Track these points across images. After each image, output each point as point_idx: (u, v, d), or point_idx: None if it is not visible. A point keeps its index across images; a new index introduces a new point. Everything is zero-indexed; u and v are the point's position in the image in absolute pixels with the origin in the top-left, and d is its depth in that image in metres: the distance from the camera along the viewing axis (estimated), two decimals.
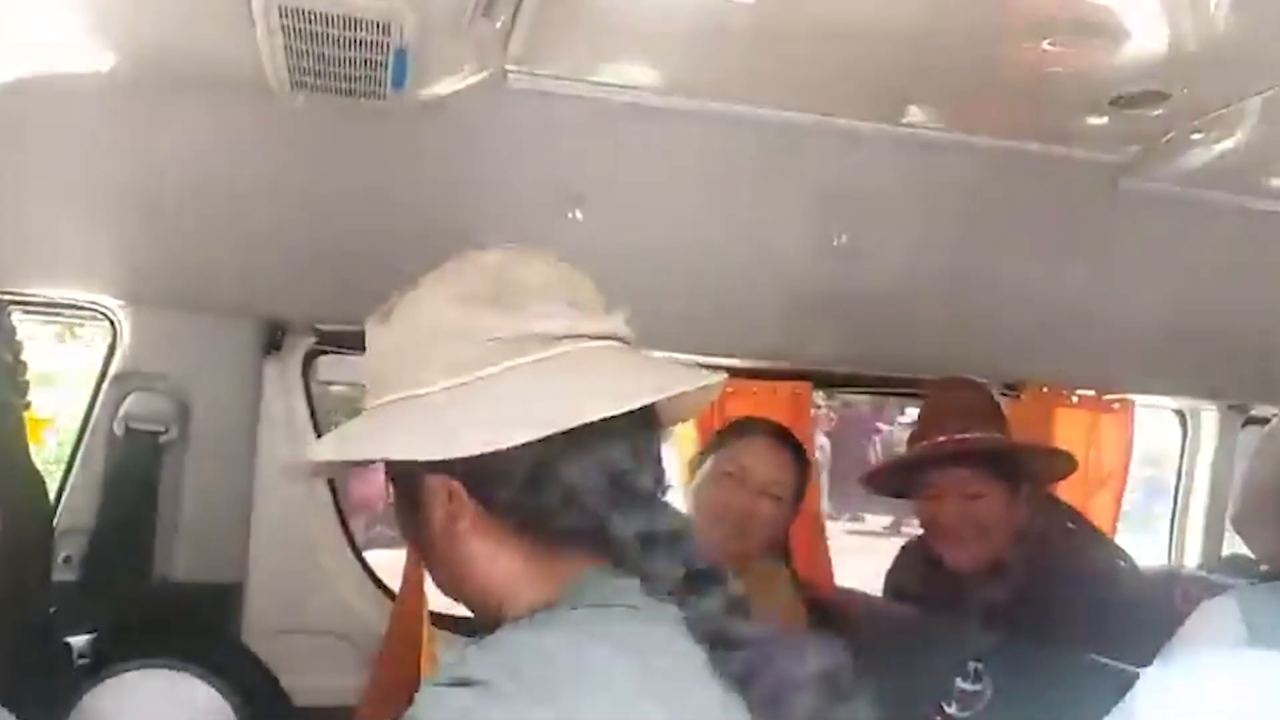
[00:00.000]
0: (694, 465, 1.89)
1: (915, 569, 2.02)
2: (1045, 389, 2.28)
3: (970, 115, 1.73)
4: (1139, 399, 2.52)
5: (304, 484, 1.99)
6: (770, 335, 2.06)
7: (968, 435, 1.83)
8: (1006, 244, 1.95)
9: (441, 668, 0.72)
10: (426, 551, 0.84)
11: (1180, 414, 2.75)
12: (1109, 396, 2.47)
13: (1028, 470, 1.86)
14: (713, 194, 1.80)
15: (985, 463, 1.81)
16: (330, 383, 2.26)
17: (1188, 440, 2.75)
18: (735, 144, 1.73)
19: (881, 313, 2.03)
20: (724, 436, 1.88)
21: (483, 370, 0.76)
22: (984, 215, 1.91)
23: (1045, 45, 1.40)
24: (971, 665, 1.37)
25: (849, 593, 2.11)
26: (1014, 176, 1.85)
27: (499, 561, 0.80)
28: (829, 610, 1.89)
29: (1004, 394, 2.34)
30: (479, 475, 0.78)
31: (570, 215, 1.77)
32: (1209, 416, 2.72)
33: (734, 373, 2.23)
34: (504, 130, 1.67)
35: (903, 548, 2.13)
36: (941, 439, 1.84)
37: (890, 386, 2.50)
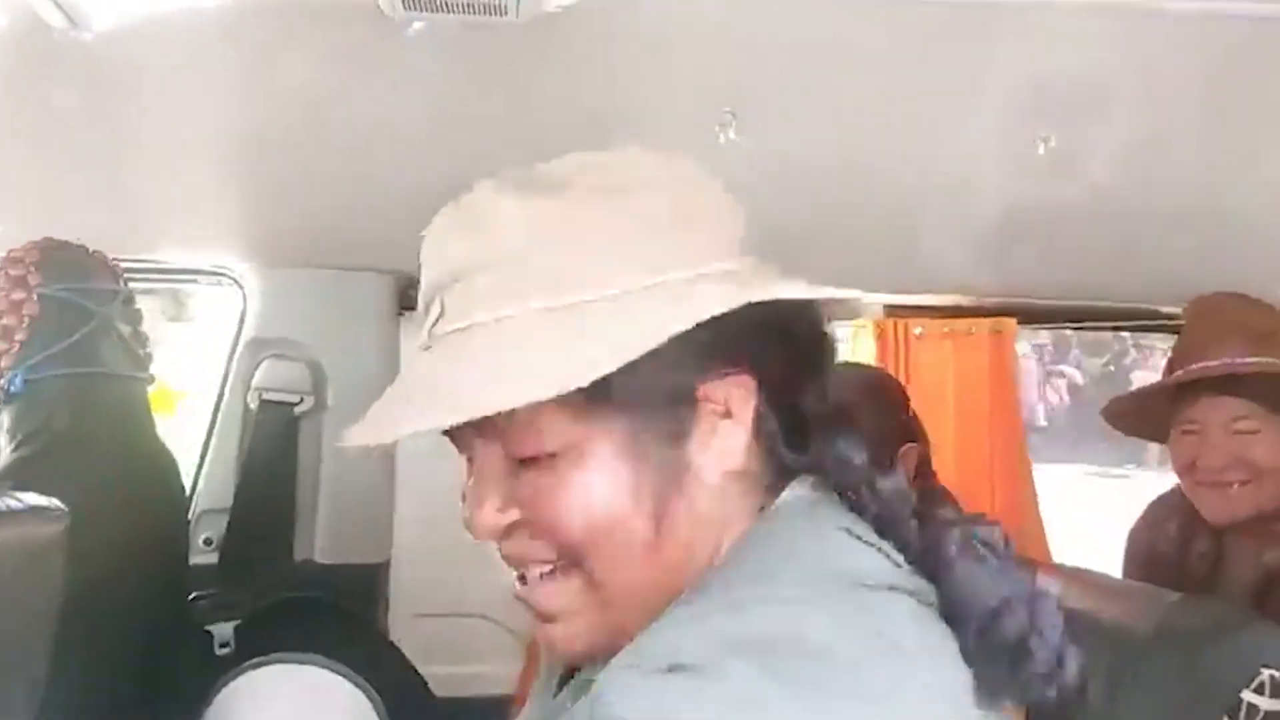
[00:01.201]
0: None
1: (1167, 529, 1.71)
2: None
3: None
4: None
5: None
6: (963, 264, 1.81)
7: (1241, 360, 1.54)
8: (1262, 141, 1.63)
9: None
10: (667, 506, 0.61)
11: None
12: None
13: None
14: (888, 96, 1.60)
15: (1263, 392, 1.52)
16: None
17: None
18: (914, 31, 1.51)
19: (1100, 234, 1.77)
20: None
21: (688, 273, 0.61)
22: (1230, 106, 1.60)
23: None
24: (1267, 674, 1.07)
25: (1071, 571, 1.81)
26: (1271, 53, 1.53)
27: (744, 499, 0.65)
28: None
29: None
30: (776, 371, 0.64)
31: (722, 136, 1.57)
32: None
33: (921, 310, 1.99)
34: (643, 39, 1.51)
35: (1151, 504, 1.81)
36: (1209, 363, 1.56)
37: (1111, 319, 2.18)
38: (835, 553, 0.60)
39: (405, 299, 1.92)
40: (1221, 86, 1.58)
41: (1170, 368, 1.65)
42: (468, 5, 1.43)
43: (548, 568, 0.63)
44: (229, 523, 1.83)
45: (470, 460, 0.65)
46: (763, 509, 0.64)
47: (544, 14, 1.45)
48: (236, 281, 1.87)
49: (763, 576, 0.58)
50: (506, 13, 1.44)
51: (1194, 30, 1.50)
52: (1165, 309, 2.08)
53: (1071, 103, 1.61)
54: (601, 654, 0.61)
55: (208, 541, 1.83)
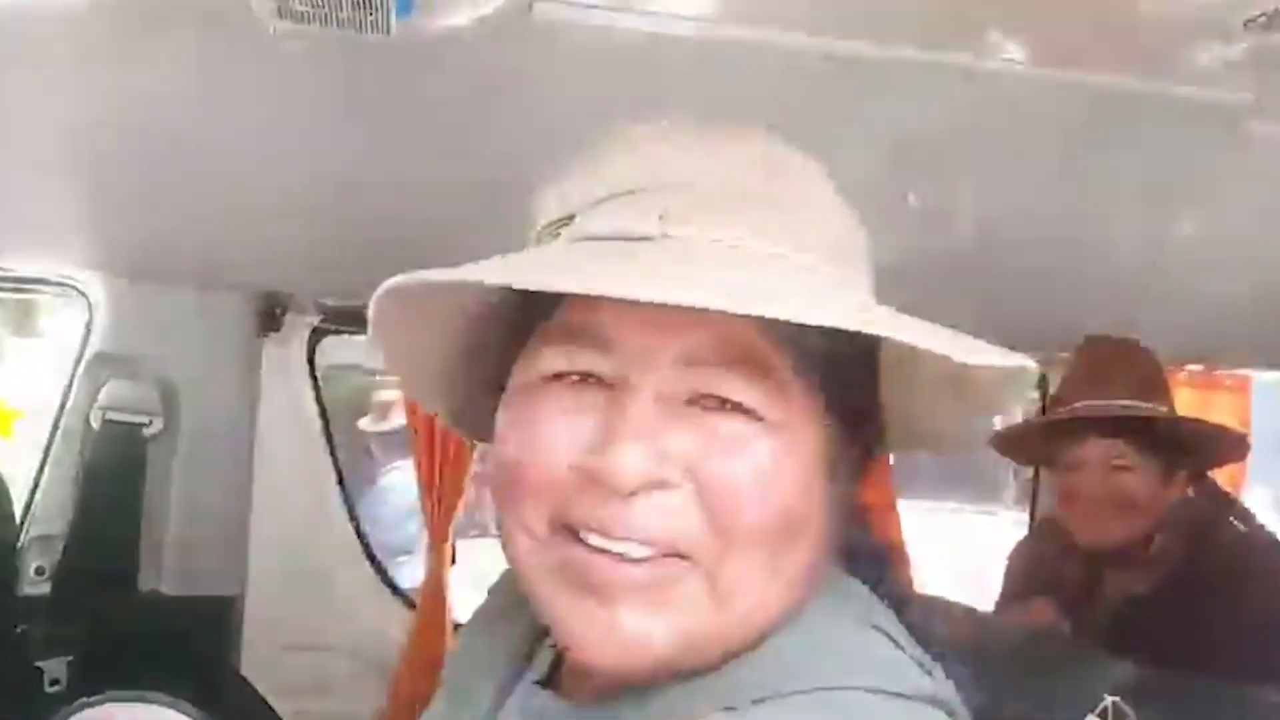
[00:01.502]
0: None
1: (1043, 552, 1.88)
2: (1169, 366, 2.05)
3: (1066, 47, 1.52)
4: (1257, 375, 2.29)
5: None
6: None
7: (1124, 402, 1.71)
8: (1106, 198, 1.75)
9: None
10: (792, 538, 0.54)
11: None
12: (1223, 371, 2.24)
13: (1188, 448, 1.74)
14: None
15: (1139, 434, 1.69)
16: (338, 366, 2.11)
17: None
18: (789, 83, 1.54)
19: (961, 280, 1.83)
20: None
21: None
22: (1081, 165, 1.70)
23: None
24: (1109, 700, 1.14)
25: (932, 601, 1.89)
26: (1117, 120, 1.64)
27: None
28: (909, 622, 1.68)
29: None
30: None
31: None
32: None
33: None
34: (529, 70, 1.49)
35: (1030, 529, 1.95)
36: (1094, 403, 1.72)
37: None
38: (890, 664, 0.56)
39: (267, 320, 1.84)
40: (1069, 150, 1.69)
41: (1056, 403, 1.80)
42: (347, 17, 1.40)
43: (652, 550, 0.52)
44: (64, 550, 1.72)
45: (571, 382, 0.54)
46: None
47: (427, 34, 1.43)
48: (81, 292, 1.77)
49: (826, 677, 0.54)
50: (388, 30, 1.41)
51: (1046, 97, 1.59)
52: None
53: (936, 159, 1.69)
54: (656, 675, 0.54)
55: (39, 570, 1.72)
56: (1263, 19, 1.36)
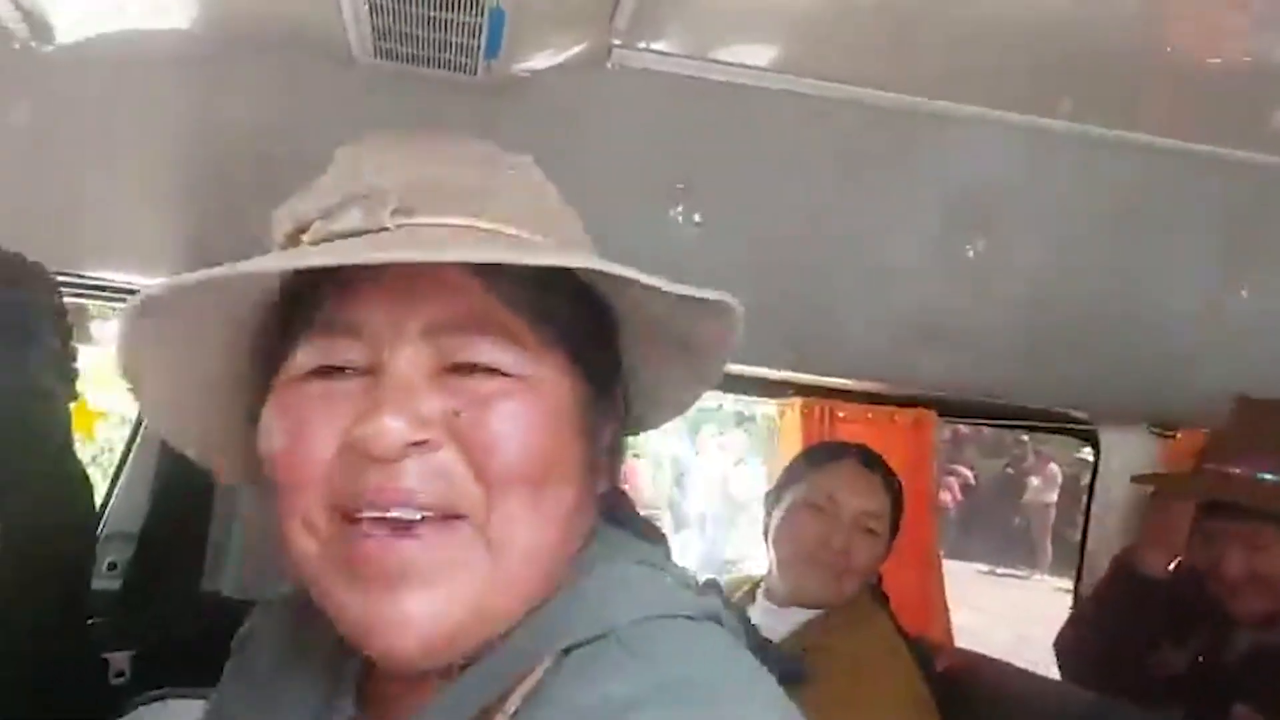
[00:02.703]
0: (771, 499, 1.77)
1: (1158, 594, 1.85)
2: (1205, 431, 2.04)
3: (1132, 109, 1.55)
4: None
5: None
6: (890, 354, 1.89)
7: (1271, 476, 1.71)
8: (1167, 258, 1.76)
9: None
10: (552, 483, 0.58)
11: None
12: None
13: None
14: (832, 192, 1.66)
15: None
16: None
17: None
18: (855, 133, 1.59)
19: (1017, 334, 1.85)
20: (807, 463, 1.76)
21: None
22: (1142, 225, 1.72)
23: (1223, 25, 1.24)
24: None
25: (969, 655, 1.89)
26: (1179, 181, 1.66)
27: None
28: (945, 676, 1.69)
29: (1155, 433, 2.12)
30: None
31: (673, 212, 1.64)
32: None
33: (848, 396, 2.06)
34: (604, 113, 1.57)
35: (1115, 559, 1.94)
36: (1237, 472, 1.73)
37: (1023, 418, 2.29)
38: (668, 592, 0.61)
39: None
40: (1130, 209, 1.70)
41: (1204, 460, 1.80)
42: (438, 57, 1.47)
43: (427, 513, 0.54)
44: (136, 549, 1.79)
45: (329, 375, 0.57)
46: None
47: (510, 75, 1.50)
48: None
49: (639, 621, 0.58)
50: (475, 71, 1.49)
51: (1109, 157, 1.62)
52: (1074, 413, 2.20)
53: (999, 212, 1.72)
54: (460, 649, 0.56)
55: (112, 566, 1.79)
56: None
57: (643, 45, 1.47)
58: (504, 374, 0.56)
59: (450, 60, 1.46)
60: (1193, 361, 1.84)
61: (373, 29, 1.37)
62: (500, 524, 0.55)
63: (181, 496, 1.81)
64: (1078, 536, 2.32)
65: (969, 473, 11.14)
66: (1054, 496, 10.53)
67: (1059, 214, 1.72)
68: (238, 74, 1.48)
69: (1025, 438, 10.14)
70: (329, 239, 0.56)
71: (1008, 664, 1.84)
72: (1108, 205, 1.69)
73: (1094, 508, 2.19)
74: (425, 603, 0.54)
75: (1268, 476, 1.72)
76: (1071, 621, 2.06)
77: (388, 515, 0.54)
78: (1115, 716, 1.35)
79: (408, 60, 1.46)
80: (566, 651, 0.56)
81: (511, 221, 0.59)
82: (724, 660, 0.58)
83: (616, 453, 0.65)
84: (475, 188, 0.60)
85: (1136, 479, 1.93)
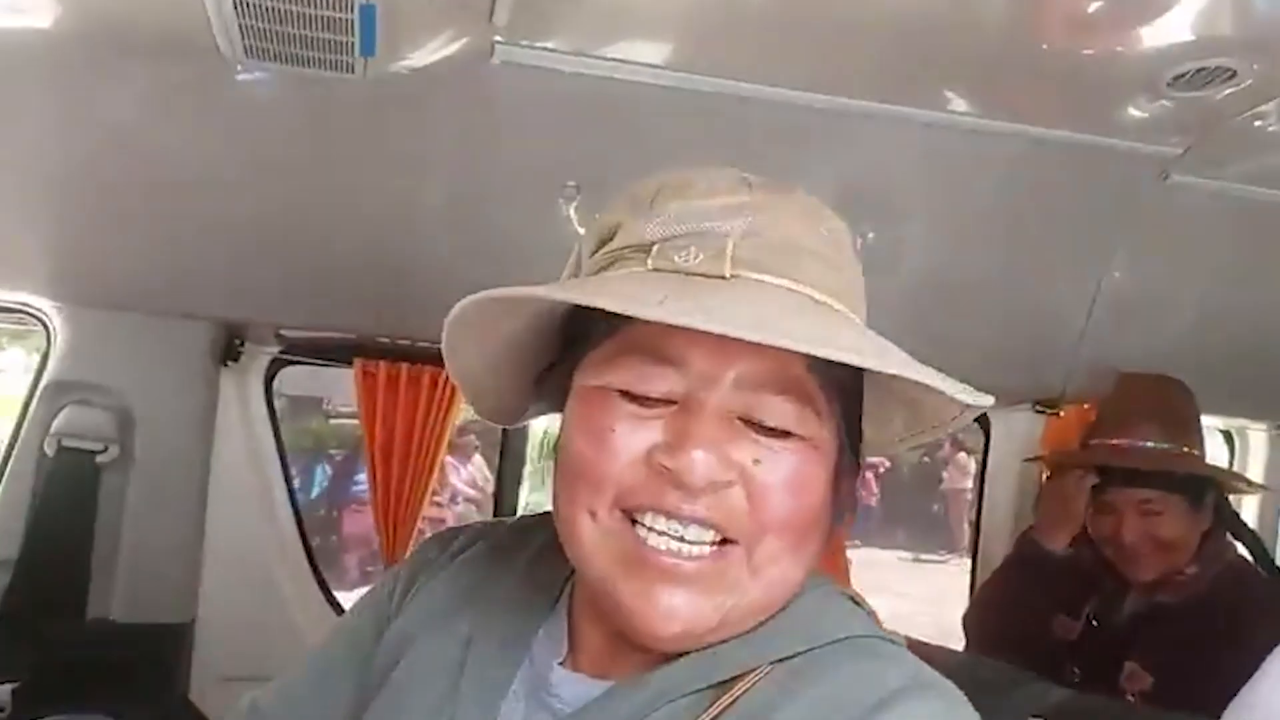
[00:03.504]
0: None
1: (1050, 564, 1.93)
2: (1086, 406, 2.12)
3: (1012, 101, 1.59)
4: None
5: None
6: None
7: (1153, 444, 1.81)
8: (1048, 244, 1.81)
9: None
10: (812, 530, 0.67)
11: (1227, 435, 2.60)
12: None
13: (1211, 481, 1.85)
14: None
15: (1169, 477, 1.79)
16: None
17: (1233, 466, 2.60)
18: (747, 130, 1.59)
19: (907, 320, 1.87)
20: None
21: None
22: (1025, 214, 1.77)
23: (1093, 18, 1.28)
24: None
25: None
26: (1054, 169, 1.71)
27: None
28: None
29: (1040, 411, 2.19)
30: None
31: (567, 210, 1.62)
32: (1258, 439, 2.57)
33: None
34: (491, 110, 1.53)
35: (1019, 542, 2.02)
36: (1121, 443, 1.82)
37: None
38: (867, 619, 0.71)
39: (226, 350, 1.85)
40: (1016, 195, 1.74)
41: (1089, 437, 1.90)
42: (312, 56, 1.42)
43: (712, 536, 0.63)
44: (13, 576, 1.71)
45: (634, 400, 0.64)
46: None
47: (389, 73, 1.45)
48: (42, 321, 1.76)
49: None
50: (352, 69, 1.44)
51: (989, 146, 1.66)
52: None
53: (890, 204, 1.74)
54: (701, 643, 0.65)
55: None
56: (1187, 76, 1.44)
57: (526, 42, 1.45)
58: (795, 434, 0.64)
59: (326, 59, 1.41)
60: (1073, 341, 1.90)
61: (240, 28, 1.32)
62: (764, 556, 0.64)
63: (62, 519, 1.73)
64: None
65: (884, 460, 11.49)
66: (969, 483, 10.92)
67: (947, 204, 1.75)
68: (102, 80, 1.41)
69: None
70: (673, 270, 0.64)
71: (921, 641, 1.89)
72: (993, 195, 1.73)
73: (986, 488, 2.25)
74: (694, 603, 0.63)
75: (1152, 444, 1.81)
76: (976, 599, 2.13)
77: (680, 535, 0.63)
78: (1017, 681, 1.42)
79: (283, 60, 1.41)
80: (781, 661, 0.66)
81: (824, 287, 0.66)
82: (926, 668, 0.66)
83: (852, 501, 0.72)
84: (808, 247, 0.66)
85: (1030, 460, 1.99)
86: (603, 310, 0.63)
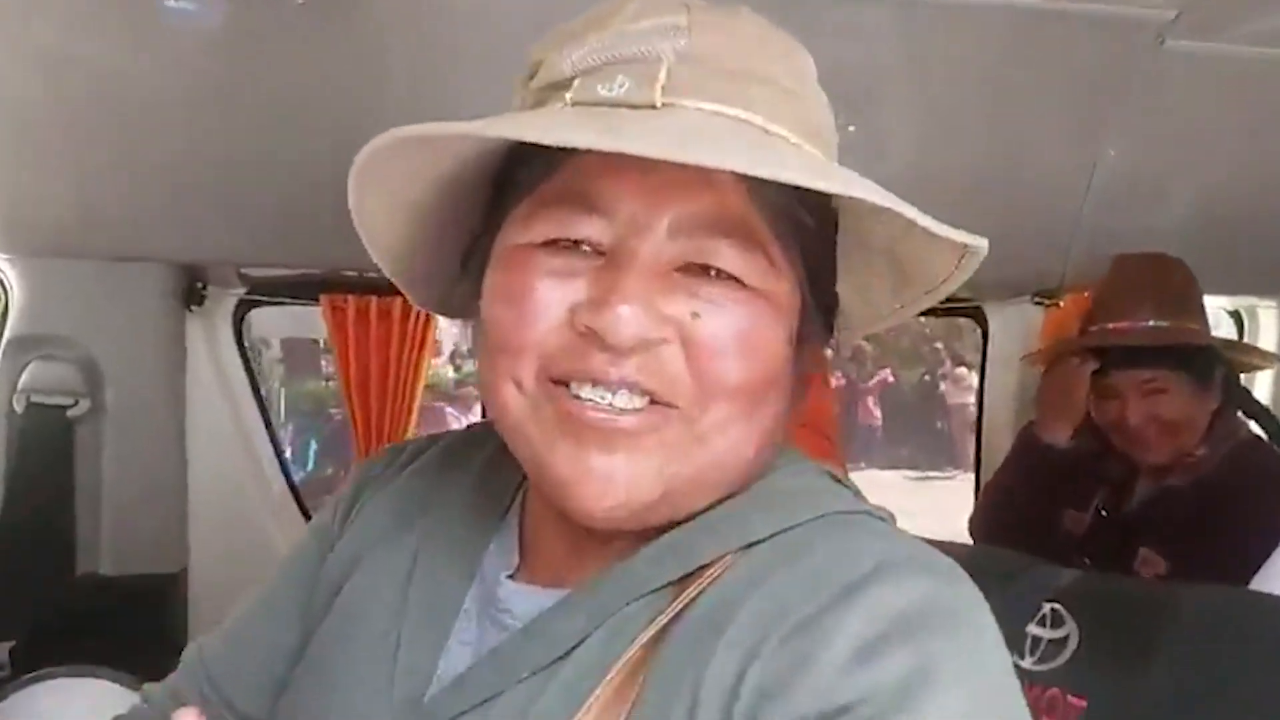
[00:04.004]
0: None
1: (1057, 454, 1.90)
2: (1086, 295, 2.05)
3: None
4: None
5: None
6: None
7: (1154, 323, 1.77)
8: (1039, 125, 1.73)
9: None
10: (766, 396, 0.59)
11: (1235, 314, 2.53)
12: None
13: (1219, 359, 1.81)
14: None
15: (1171, 355, 1.75)
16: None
17: None
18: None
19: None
20: None
21: None
22: (1014, 93, 1.69)
23: None
24: (1047, 607, 1.15)
25: None
26: (1041, 42, 1.62)
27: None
28: None
29: (1039, 303, 2.13)
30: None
31: None
32: (1268, 316, 2.50)
33: None
34: (433, 20, 1.44)
35: (1021, 435, 1.99)
36: (1121, 325, 1.78)
37: None
38: (848, 494, 0.64)
39: (190, 293, 1.80)
40: (1005, 73, 1.66)
41: (1089, 322, 1.85)
42: None
43: (645, 400, 0.56)
44: None
45: (559, 248, 0.57)
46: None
47: None
48: None
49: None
50: None
51: (978, 21, 1.57)
52: (959, 292, 2.19)
53: (876, 91, 1.66)
54: (646, 520, 0.58)
55: None
56: None
57: None
58: (742, 282, 0.56)
59: None
60: (1070, 226, 1.83)
61: None
62: (709, 424, 0.57)
63: (37, 479, 1.70)
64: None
65: (886, 373, 11.56)
66: (970, 397, 10.96)
67: (931, 89, 1.67)
68: (42, 12, 1.32)
69: (939, 345, 10.42)
70: (594, 104, 0.55)
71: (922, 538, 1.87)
72: (978, 75, 1.65)
73: (985, 390, 2.20)
74: (630, 465, 0.56)
75: (1151, 323, 1.76)
76: (981, 501, 2.10)
77: (605, 399, 0.56)
78: (1025, 567, 1.38)
79: None
80: (749, 547, 0.58)
81: (778, 118, 0.57)
82: (920, 544, 0.59)
83: (820, 367, 0.65)
84: (757, 73, 0.57)
85: (1028, 358, 1.94)
86: (523, 165, 0.57)
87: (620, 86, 0.55)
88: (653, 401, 0.56)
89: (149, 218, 1.61)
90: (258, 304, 1.92)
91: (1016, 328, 2.18)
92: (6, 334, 1.71)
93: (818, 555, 0.56)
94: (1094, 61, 1.65)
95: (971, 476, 2.45)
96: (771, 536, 0.58)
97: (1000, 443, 2.11)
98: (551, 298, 0.56)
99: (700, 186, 0.55)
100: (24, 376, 1.70)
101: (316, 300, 1.95)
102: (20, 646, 1.61)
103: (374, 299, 1.94)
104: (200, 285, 1.80)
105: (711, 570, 0.58)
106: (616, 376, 0.55)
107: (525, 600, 0.62)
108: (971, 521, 2.06)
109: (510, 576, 0.64)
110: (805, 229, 0.58)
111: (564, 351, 0.56)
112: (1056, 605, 1.16)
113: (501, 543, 0.67)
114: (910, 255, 0.61)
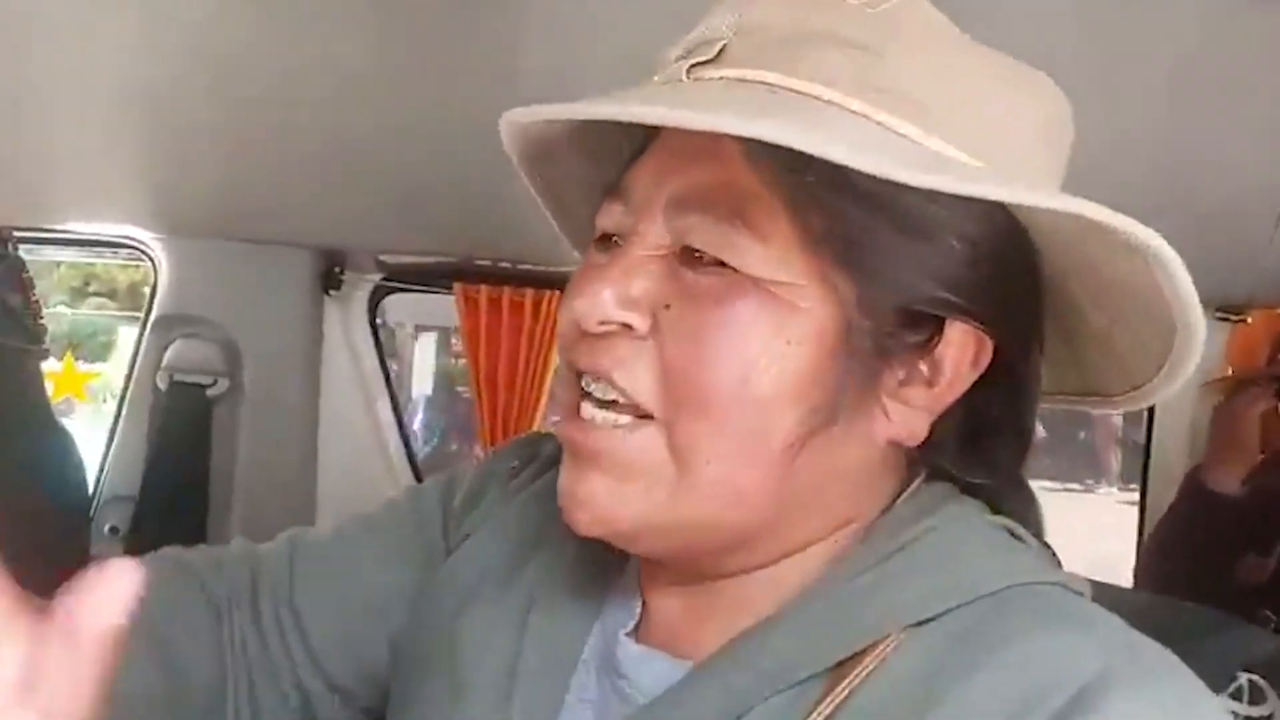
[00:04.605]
0: None
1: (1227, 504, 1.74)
2: (1279, 312, 1.87)
3: None
4: None
5: None
6: None
7: None
8: (1228, 116, 1.57)
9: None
10: (828, 425, 0.50)
11: None
12: None
13: None
14: None
15: None
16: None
17: None
18: None
19: None
20: None
21: None
22: (1201, 87, 1.54)
23: None
24: (1245, 678, 1.00)
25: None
26: (1235, 37, 1.47)
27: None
28: None
29: (1222, 318, 1.94)
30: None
31: None
32: None
33: None
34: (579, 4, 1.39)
35: (1185, 484, 1.83)
36: None
37: None
38: (1027, 558, 0.53)
39: (329, 278, 1.81)
40: (1193, 66, 1.52)
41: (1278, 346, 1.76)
42: None
43: (625, 417, 0.50)
44: (135, 511, 1.72)
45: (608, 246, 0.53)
46: (897, 496, 0.53)
47: None
48: (148, 254, 1.75)
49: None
50: None
51: (1166, 6, 1.44)
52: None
53: (1060, 81, 1.55)
54: (623, 539, 0.52)
55: (113, 530, 1.73)
56: None
57: None
58: (736, 271, 0.48)
59: None
60: (1265, 232, 1.66)
61: None
62: (684, 438, 0.49)
63: (176, 457, 1.74)
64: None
65: None
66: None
67: (1114, 80, 1.54)
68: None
69: None
70: (665, 83, 0.52)
71: (1095, 582, 1.74)
72: (1167, 66, 1.51)
73: (1157, 410, 2.03)
74: (607, 485, 0.50)
75: None
76: (1149, 544, 1.95)
77: (589, 392, 0.51)
78: (1215, 629, 1.23)
79: None
80: (918, 624, 0.49)
81: (839, 81, 0.48)
82: (1134, 636, 0.49)
83: (938, 402, 0.51)
84: (798, 35, 0.49)
85: (1207, 385, 1.78)
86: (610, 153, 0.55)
87: (688, 63, 0.50)
88: (637, 415, 0.50)
89: (293, 202, 1.63)
90: (393, 290, 1.93)
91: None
92: (155, 312, 1.76)
93: (1018, 651, 0.46)
94: None
95: (1114, 490, 2.28)
96: (944, 614, 0.48)
97: (1169, 465, 1.94)
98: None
99: (697, 161, 0.49)
100: (168, 354, 1.75)
101: (449, 289, 1.94)
102: None
103: (506, 289, 1.93)
104: (338, 270, 1.82)
105: (876, 651, 0.48)
106: (587, 364, 0.51)
107: (644, 669, 0.54)
108: (1136, 572, 1.92)
109: (627, 633, 0.56)
110: (833, 208, 0.47)
111: (571, 344, 0.53)
112: (1254, 677, 1.02)
113: (624, 590, 0.59)
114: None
